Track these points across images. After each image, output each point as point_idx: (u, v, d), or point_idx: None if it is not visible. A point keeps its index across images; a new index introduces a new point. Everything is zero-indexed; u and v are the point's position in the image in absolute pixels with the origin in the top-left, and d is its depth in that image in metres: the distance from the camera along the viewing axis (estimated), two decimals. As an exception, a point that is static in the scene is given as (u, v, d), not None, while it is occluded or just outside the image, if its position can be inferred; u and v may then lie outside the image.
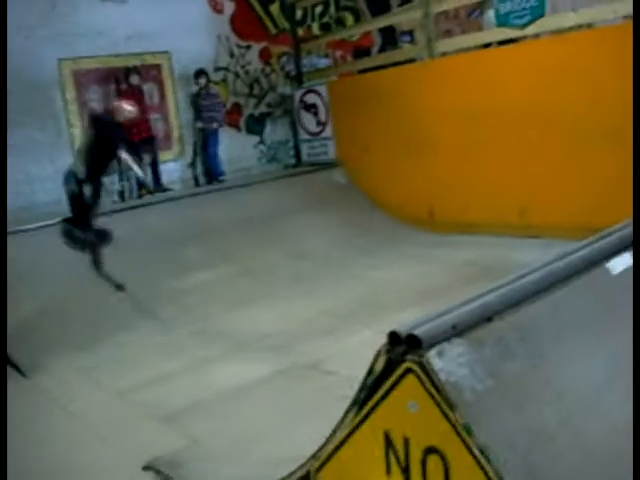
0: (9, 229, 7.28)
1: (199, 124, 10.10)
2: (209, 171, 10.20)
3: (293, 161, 11.13)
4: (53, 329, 6.24)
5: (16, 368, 5.75)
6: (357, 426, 1.92)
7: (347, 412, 1.95)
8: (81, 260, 7.08)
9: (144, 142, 9.46)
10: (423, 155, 8.69)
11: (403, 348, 1.76)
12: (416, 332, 1.75)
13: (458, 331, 1.79)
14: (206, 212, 8.17)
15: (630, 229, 2.56)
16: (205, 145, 10.17)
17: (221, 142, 10.25)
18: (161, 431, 4.33)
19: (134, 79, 9.49)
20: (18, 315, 6.43)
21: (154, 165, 9.63)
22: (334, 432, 2.01)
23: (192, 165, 10.38)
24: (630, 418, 1.81)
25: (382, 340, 4.46)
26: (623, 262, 2.32)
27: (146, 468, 3.82)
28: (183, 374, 5.11)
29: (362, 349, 4.86)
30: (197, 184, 10.24)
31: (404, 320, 2.85)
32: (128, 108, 6.94)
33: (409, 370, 1.74)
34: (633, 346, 2.07)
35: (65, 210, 7.06)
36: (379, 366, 1.83)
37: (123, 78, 9.54)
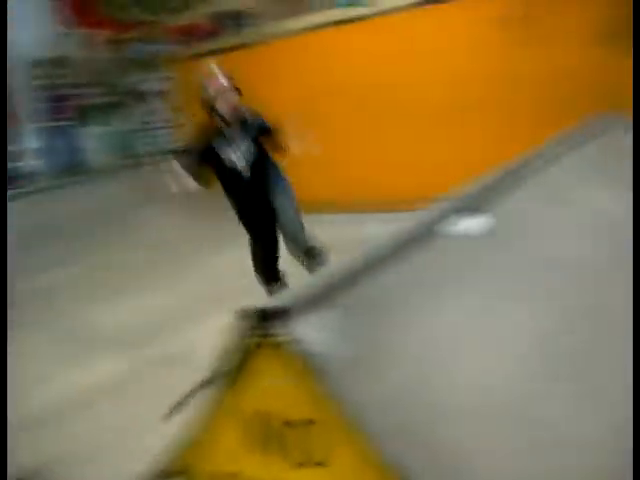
0: None
1: None
2: None
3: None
4: None
5: None
6: (214, 410, 1.81)
7: (203, 399, 1.84)
8: None
9: None
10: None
11: (252, 323, 1.65)
12: (265, 306, 1.66)
13: (309, 301, 1.71)
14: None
15: (468, 193, 2.59)
16: None
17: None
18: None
19: None
20: None
21: None
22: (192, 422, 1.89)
23: None
24: (482, 372, 1.82)
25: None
26: (468, 224, 2.32)
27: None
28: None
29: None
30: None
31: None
32: None
33: (261, 345, 1.64)
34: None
35: None
36: (228, 346, 1.71)
37: None
